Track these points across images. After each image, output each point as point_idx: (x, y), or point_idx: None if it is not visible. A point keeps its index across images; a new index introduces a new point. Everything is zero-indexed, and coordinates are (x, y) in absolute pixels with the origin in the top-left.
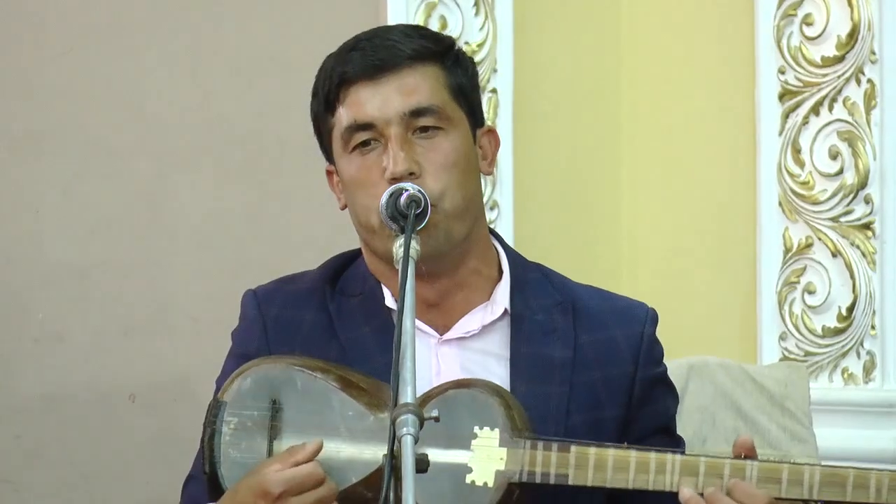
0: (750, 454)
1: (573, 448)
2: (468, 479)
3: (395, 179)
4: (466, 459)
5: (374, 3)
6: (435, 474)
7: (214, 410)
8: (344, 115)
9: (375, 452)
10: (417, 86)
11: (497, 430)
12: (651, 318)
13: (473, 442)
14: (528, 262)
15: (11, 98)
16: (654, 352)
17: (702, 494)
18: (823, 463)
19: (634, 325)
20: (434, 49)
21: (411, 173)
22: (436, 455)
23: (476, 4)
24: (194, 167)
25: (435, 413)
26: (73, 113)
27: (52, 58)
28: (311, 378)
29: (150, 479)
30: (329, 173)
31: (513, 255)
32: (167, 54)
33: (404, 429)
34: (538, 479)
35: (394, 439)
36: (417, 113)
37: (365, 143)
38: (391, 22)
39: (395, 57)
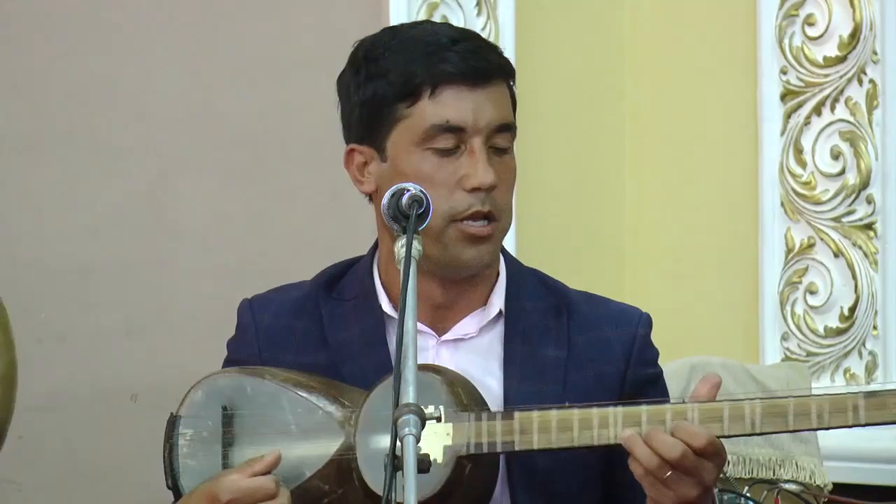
0: (711, 393)
1: (516, 414)
2: None
3: (477, 189)
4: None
5: (375, 2)
6: (382, 459)
7: (171, 425)
8: (433, 112)
9: (327, 446)
10: (503, 98)
11: (441, 407)
12: (644, 321)
13: None
14: (525, 267)
15: (13, 98)
16: (647, 353)
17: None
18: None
19: (628, 327)
20: (510, 67)
21: (493, 187)
22: (383, 441)
23: (478, 4)
24: (196, 167)
25: (437, 413)
26: (75, 113)
27: (54, 58)
28: (259, 382)
29: (151, 479)
30: (351, 152)
31: (510, 260)
32: (169, 54)
33: (406, 429)
34: (486, 449)
35: (395, 439)
36: (502, 128)
37: (448, 147)
38: (393, 22)
39: (491, 66)
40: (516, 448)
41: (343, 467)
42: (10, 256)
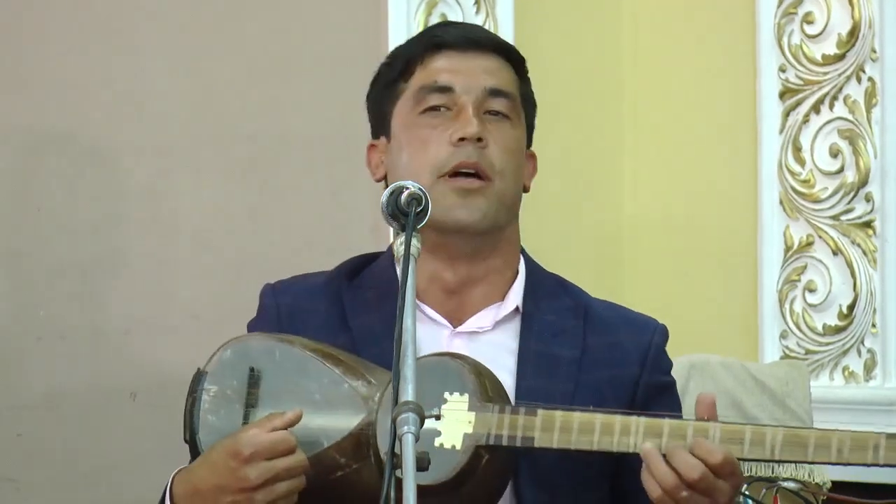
0: (711, 411)
1: (540, 411)
2: (437, 442)
3: (462, 140)
4: (435, 424)
5: (375, 2)
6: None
7: (196, 380)
8: (424, 76)
9: (349, 419)
10: (499, 70)
11: (466, 395)
12: (661, 331)
13: (443, 407)
14: (546, 271)
15: (13, 96)
16: (662, 360)
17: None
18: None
19: (644, 334)
20: (516, 54)
21: (479, 139)
22: None
23: (477, 2)
24: (195, 166)
25: (436, 412)
26: (75, 111)
27: (54, 56)
28: (289, 348)
29: (150, 478)
30: (372, 147)
31: (531, 263)
32: (168, 53)
33: (405, 427)
34: (505, 442)
35: (395, 438)
36: (495, 93)
37: (435, 108)
38: (392, 20)
39: (484, 38)
40: (535, 444)
41: (361, 442)
42: (10, 254)
